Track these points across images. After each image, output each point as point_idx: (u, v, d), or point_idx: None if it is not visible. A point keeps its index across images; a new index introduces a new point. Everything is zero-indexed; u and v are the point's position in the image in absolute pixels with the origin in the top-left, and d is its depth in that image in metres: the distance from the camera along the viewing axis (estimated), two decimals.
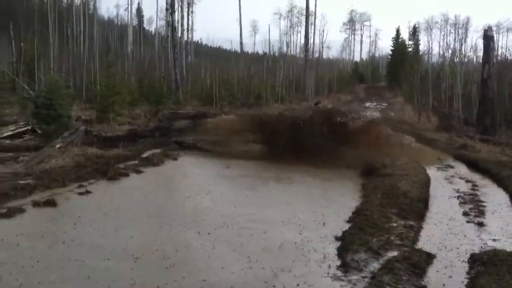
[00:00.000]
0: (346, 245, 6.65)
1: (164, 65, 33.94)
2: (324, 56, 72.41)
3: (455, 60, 25.93)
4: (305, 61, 49.82)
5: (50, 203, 8.37)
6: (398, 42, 63.40)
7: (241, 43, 50.71)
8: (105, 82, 21.50)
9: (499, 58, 25.28)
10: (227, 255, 6.34)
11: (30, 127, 16.47)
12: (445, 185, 11.40)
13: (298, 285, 5.48)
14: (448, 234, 7.50)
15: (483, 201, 9.73)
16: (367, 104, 48.80)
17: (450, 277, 5.80)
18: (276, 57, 49.09)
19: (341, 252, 6.45)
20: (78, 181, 10.13)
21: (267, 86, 37.10)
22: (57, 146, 11.94)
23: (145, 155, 13.42)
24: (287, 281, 5.58)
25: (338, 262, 6.16)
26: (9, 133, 16.06)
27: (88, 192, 9.47)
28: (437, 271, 5.95)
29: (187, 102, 30.84)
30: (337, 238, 7.03)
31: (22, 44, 25.54)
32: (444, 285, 5.56)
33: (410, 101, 33.12)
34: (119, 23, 60.08)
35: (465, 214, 8.79)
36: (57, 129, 14.07)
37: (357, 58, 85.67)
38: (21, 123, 16.91)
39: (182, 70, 33.37)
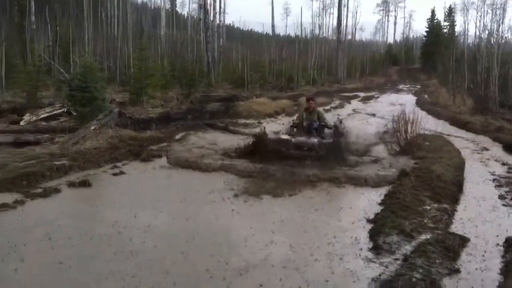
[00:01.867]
0: (378, 227, 6.60)
1: (196, 48, 34.03)
2: (357, 38, 71.67)
3: (492, 41, 25.20)
4: (337, 43, 49.25)
5: (85, 183, 8.53)
6: (433, 23, 62.13)
7: (272, 25, 50.56)
8: (138, 65, 21.73)
9: None
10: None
11: (65, 109, 16.82)
12: (480, 168, 11.19)
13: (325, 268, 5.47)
14: (482, 218, 7.36)
15: None
16: (401, 87, 48.24)
17: (484, 260, 5.70)
18: (308, 39, 48.68)
19: (373, 235, 6.41)
20: (112, 162, 10.32)
21: (298, 69, 36.89)
22: (92, 128, 12.14)
23: (177, 137, 13.51)
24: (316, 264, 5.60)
25: (370, 245, 6.13)
26: (45, 115, 16.45)
27: (122, 173, 9.63)
28: (471, 255, 5.85)
29: (218, 85, 30.96)
30: (369, 221, 6.99)
31: (57, 28, 26.01)
32: (477, 269, 5.48)
33: (444, 83, 32.49)
34: (152, 7, 60.53)
35: (501, 197, 8.62)
36: (91, 111, 14.33)
37: (390, 40, 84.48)
38: (57, 105, 17.29)
39: (214, 53, 33.45)
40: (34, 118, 15.88)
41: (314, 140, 10.74)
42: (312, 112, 11.58)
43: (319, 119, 11.54)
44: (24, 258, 5.41)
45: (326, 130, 11.44)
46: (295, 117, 12.63)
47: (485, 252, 5.97)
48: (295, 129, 11.44)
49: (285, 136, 10.96)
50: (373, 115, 19.75)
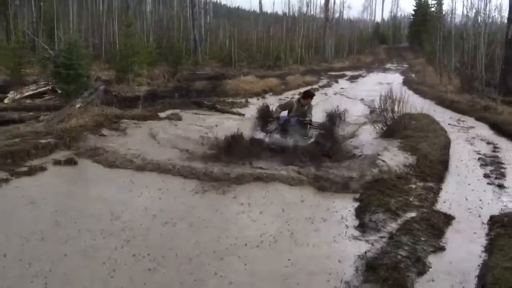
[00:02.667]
0: (364, 206, 6.65)
1: (183, 26, 33.67)
2: (345, 16, 71.32)
3: (479, 20, 25.20)
4: (325, 21, 48.99)
5: (71, 162, 8.48)
6: (420, 2, 62.11)
7: (260, 2, 50.10)
8: (124, 42, 21.46)
9: None
10: None
11: (50, 87, 16.61)
12: (466, 147, 11.28)
13: (308, 245, 5.52)
14: (467, 196, 7.44)
15: (504, 163, 9.60)
16: (388, 66, 48.28)
17: (468, 238, 5.78)
18: (295, 17, 48.32)
19: (359, 213, 6.45)
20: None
21: (286, 47, 36.73)
22: (77, 105, 11.99)
23: (163, 115, 13.42)
24: (301, 239, 5.65)
25: (356, 223, 6.18)
26: (30, 92, 16.24)
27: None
28: (456, 233, 5.93)
29: (205, 63, 30.75)
30: (355, 199, 7.02)
31: (41, 4, 25.50)
32: (462, 246, 5.54)
33: (431, 63, 32.56)
34: None
35: (486, 176, 8.71)
36: (76, 89, 14.15)
37: (378, 19, 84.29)
38: (42, 83, 17.06)
39: (200, 31, 33.11)
40: (19, 96, 15.67)
41: (289, 141, 9.34)
42: (304, 105, 10.07)
43: (306, 112, 10.02)
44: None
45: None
46: (277, 106, 10.59)
47: (470, 229, 6.05)
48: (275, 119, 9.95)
49: (260, 135, 9.58)
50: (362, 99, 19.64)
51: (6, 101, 15.24)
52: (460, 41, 25.71)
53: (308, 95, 10.17)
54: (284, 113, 10.21)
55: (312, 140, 9.54)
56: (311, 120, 10.00)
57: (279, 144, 9.27)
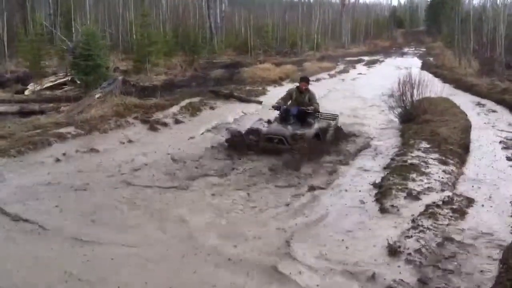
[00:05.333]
0: (385, 191, 6.62)
1: (199, 14, 33.64)
2: (361, 0, 70.43)
3: (498, 1, 24.80)
4: (341, 6, 48.56)
5: (93, 151, 8.60)
6: None
7: None
8: (140, 32, 21.56)
9: None
10: None
11: (69, 78, 16.77)
12: (487, 130, 11.17)
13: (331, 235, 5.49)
14: (489, 179, 7.39)
15: None
16: (405, 50, 47.80)
17: (491, 222, 5.74)
18: (311, 3, 47.97)
19: (380, 198, 6.43)
20: (118, 129, 10.33)
21: (302, 34, 36.53)
22: (97, 96, 12.11)
23: (182, 104, 13.47)
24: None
25: (377, 208, 6.16)
26: (50, 84, 16.41)
27: (130, 141, 9.66)
28: (478, 216, 5.88)
29: (222, 51, 30.72)
30: (375, 185, 6.99)
31: None
32: (483, 230, 5.50)
33: (450, 46, 32.16)
34: None
35: (508, 159, 8.64)
36: (95, 80, 14.29)
37: (395, 3, 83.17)
38: (61, 74, 17.24)
39: (216, 19, 33.02)
40: (39, 87, 15.84)
41: (285, 130, 8.86)
42: (304, 93, 9.64)
43: (310, 101, 9.55)
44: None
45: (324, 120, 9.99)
46: (278, 99, 9.98)
47: (492, 213, 6.00)
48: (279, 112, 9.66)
49: (259, 125, 9.26)
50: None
51: (26, 92, 15.42)
52: (479, 23, 25.35)
53: (303, 80, 9.78)
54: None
55: (313, 131, 9.03)
56: (316, 109, 9.59)
57: (275, 133, 8.79)
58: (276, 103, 9.72)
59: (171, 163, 8.07)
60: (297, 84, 10.09)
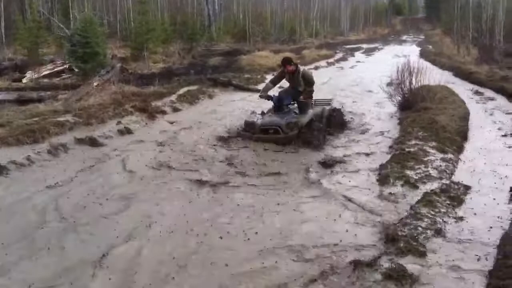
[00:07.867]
0: (383, 178, 6.64)
1: (197, 1, 33.48)
2: None
3: None
4: None
5: (91, 139, 8.59)
6: None
7: None
8: (138, 19, 21.48)
9: None
10: None
11: (67, 66, 16.73)
12: (485, 117, 11.17)
13: (326, 218, 5.54)
14: (487, 167, 7.39)
15: None
16: (404, 37, 47.65)
17: (488, 210, 5.75)
18: None
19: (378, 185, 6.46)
20: (116, 117, 10.29)
21: (301, 21, 36.39)
22: (95, 84, 12.10)
23: (180, 92, 13.45)
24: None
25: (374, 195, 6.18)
26: (47, 72, 16.39)
27: (128, 130, 9.61)
28: (475, 203, 5.88)
29: (220, 38, 30.62)
30: (373, 172, 7.01)
31: None
32: (481, 217, 5.51)
33: (448, 33, 32.06)
34: None
35: (507, 146, 8.64)
36: (93, 67, 14.27)
37: None
38: (58, 62, 17.20)
39: (214, 6, 32.88)
40: (36, 75, 15.82)
41: (280, 120, 8.75)
42: (295, 75, 9.19)
43: (306, 81, 9.16)
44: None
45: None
46: (267, 81, 9.98)
47: (489, 200, 6.00)
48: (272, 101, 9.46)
49: (254, 118, 9.18)
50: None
51: (24, 80, 15.41)
52: (478, 10, 25.25)
53: (284, 62, 9.17)
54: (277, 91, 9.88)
55: (307, 119, 8.96)
56: (310, 93, 9.32)
57: (270, 124, 8.74)
58: (265, 86, 9.57)
59: None
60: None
